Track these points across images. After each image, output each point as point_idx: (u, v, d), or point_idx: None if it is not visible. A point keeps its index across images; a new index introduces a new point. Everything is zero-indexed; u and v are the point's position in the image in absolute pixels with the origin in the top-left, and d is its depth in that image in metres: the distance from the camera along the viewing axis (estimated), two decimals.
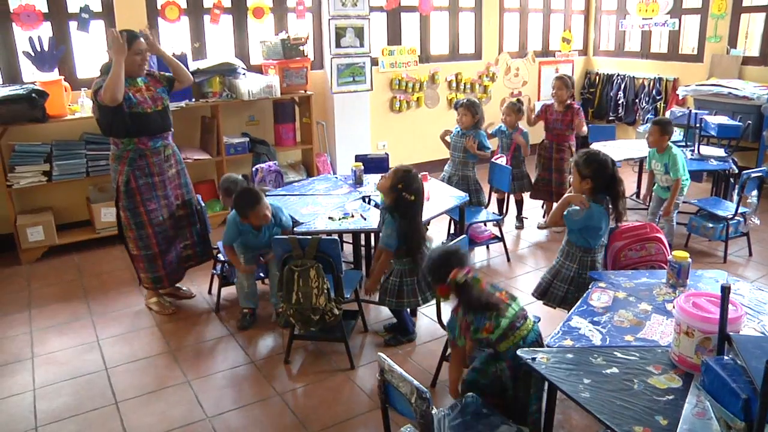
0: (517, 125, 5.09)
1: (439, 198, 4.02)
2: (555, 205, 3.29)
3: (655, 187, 4.71)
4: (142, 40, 3.57)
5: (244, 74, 5.45)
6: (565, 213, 3.02)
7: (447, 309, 3.73)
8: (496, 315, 2.32)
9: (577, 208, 2.98)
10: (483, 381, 2.40)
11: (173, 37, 5.47)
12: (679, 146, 5.52)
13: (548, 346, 2.22)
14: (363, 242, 4.15)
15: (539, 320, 2.99)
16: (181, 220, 3.92)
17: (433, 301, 3.33)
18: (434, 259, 2.50)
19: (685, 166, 4.49)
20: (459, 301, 2.40)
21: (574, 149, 5.16)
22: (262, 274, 3.90)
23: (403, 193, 3.14)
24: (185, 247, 3.98)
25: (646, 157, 4.82)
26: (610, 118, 7.84)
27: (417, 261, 3.26)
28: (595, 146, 5.40)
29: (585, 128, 5.13)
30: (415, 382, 1.84)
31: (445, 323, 3.00)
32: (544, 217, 5.40)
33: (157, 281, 3.85)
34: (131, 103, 3.51)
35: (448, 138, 4.84)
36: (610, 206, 3.00)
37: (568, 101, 5.09)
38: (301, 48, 5.62)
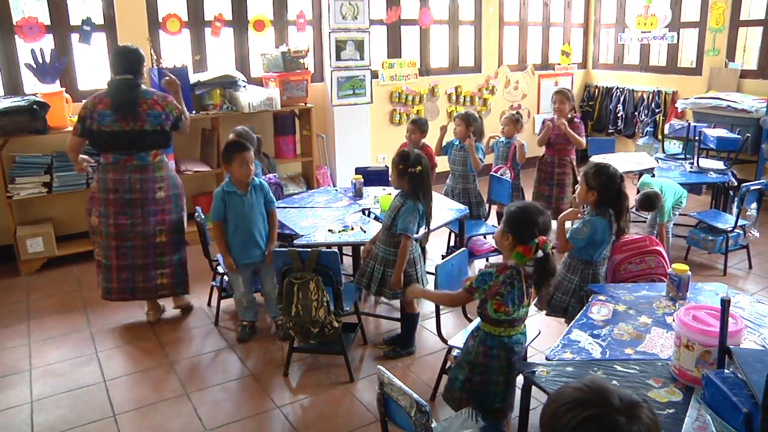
0: (514, 136, 5.10)
1: (439, 211, 4.02)
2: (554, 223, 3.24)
3: None
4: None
5: (244, 87, 5.47)
6: (568, 235, 3.00)
7: (447, 321, 3.74)
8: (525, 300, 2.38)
9: (579, 225, 2.98)
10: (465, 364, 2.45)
11: (174, 50, 5.50)
12: (678, 159, 5.56)
13: (548, 359, 2.21)
14: None
15: (539, 333, 3.00)
16: (161, 247, 3.79)
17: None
18: (526, 211, 2.38)
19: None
20: (517, 269, 2.33)
21: (575, 163, 5.18)
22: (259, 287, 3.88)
23: (409, 170, 3.19)
24: (161, 275, 3.84)
25: (646, 169, 4.83)
26: (610, 131, 7.87)
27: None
28: (594, 159, 5.43)
29: (584, 141, 5.15)
30: (415, 396, 1.84)
31: (444, 335, 3.01)
32: None
33: (107, 291, 3.83)
34: (103, 123, 3.53)
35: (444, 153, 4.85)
36: (613, 220, 2.99)
37: (569, 114, 5.10)
38: (301, 61, 5.65)
